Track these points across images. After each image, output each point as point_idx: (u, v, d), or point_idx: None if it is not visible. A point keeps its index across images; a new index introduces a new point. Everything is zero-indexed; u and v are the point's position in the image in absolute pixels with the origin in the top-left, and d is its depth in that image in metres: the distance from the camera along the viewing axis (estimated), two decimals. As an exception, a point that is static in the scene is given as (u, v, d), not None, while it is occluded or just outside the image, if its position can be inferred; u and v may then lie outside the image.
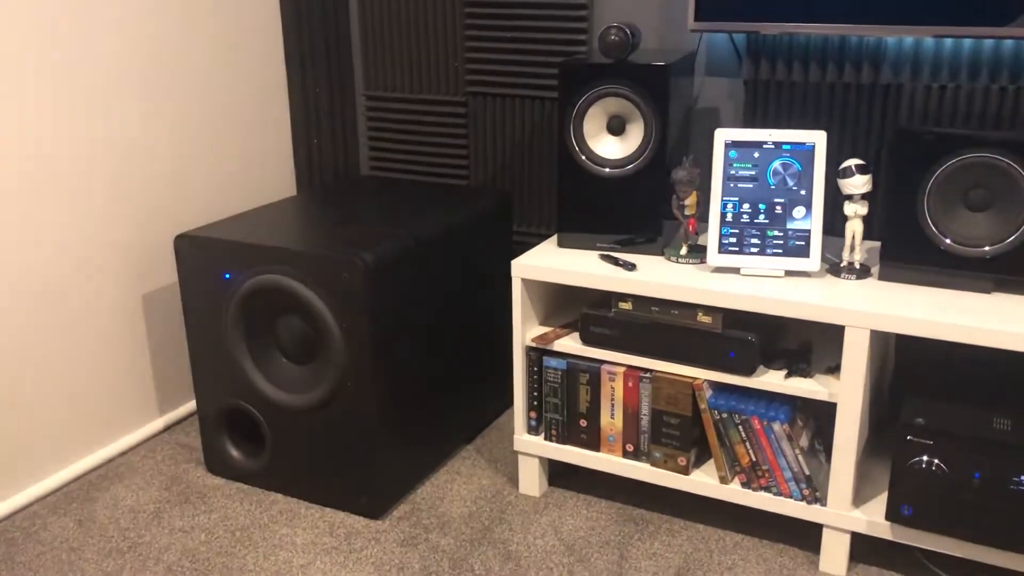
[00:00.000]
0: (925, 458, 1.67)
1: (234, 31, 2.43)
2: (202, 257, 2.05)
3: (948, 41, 1.97)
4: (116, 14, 2.13)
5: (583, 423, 2.03)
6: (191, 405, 2.50)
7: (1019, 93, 1.94)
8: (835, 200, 2.12)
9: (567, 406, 2.03)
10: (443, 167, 2.65)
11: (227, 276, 2.03)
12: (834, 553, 1.83)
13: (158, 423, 2.41)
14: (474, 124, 2.56)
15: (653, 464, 1.97)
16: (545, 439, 2.08)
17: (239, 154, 2.52)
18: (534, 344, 2.03)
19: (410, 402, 2.08)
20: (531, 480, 2.12)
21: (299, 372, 2.04)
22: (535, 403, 2.08)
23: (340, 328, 1.92)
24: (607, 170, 1.97)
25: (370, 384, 1.94)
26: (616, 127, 1.97)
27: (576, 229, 2.05)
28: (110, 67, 2.14)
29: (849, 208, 1.85)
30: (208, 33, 2.36)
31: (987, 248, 1.71)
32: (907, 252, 1.79)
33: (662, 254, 2.00)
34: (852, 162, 1.83)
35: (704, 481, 1.93)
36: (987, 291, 1.75)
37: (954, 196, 1.74)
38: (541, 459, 2.11)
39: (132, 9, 2.16)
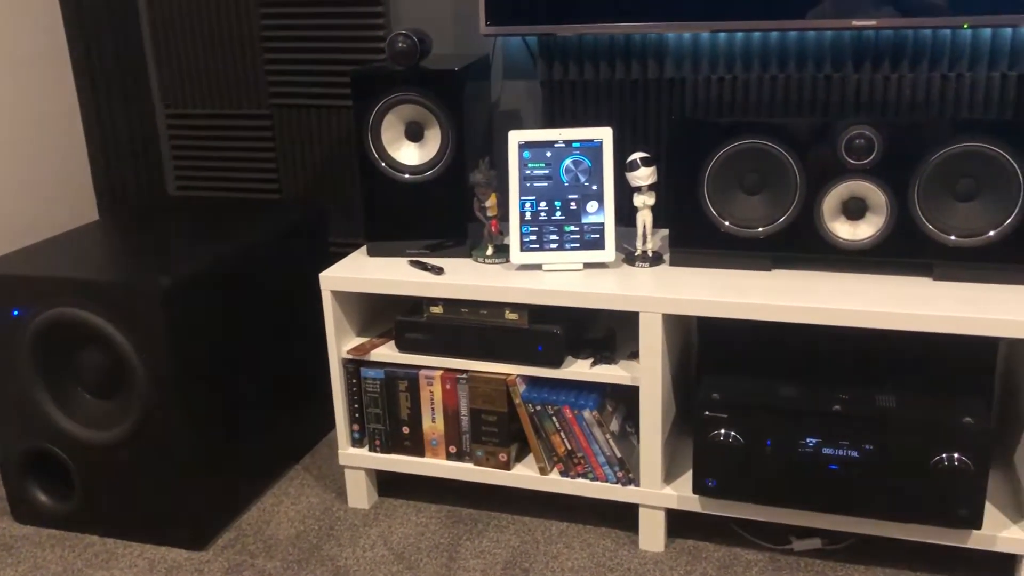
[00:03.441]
0: (722, 431, 1.76)
1: (15, 54, 2.30)
2: (-14, 295, 1.92)
3: (723, 35, 2.09)
4: None
5: (406, 430, 2.03)
6: (-5, 452, 2.34)
7: (788, 81, 2.07)
8: (629, 192, 2.20)
9: (389, 415, 2.03)
10: (253, 182, 2.59)
11: (16, 313, 1.91)
12: (651, 531, 1.91)
13: (-42, 475, 2.25)
14: (281, 137, 2.51)
15: (476, 463, 1.99)
16: (370, 450, 2.07)
17: (32, 183, 2.38)
18: (350, 356, 2.01)
19: (227, 428, 2.03)
20: (359, 493, 2.11)
21: (103, 407, 1.95)
22: (357, 415, 2.06)
23: (140, 358, 1.84)
24: (407, 176, 1.98)
25: (179, 413, 1.88)
26: (414, 133, 1.98)
27: (385, 237, 2.05)
28: None
29: (638, 199, 1.93)
30: (-19, 56, 2.23)
31: (760, 229, 1.83)
32: (693, 237, 1.89)
33: (470, 256, 2.02)
34: (637, 155, 1.91)
35: (525, 474, 1.97)
36: (767, 268, 1.86)
37: (731, 181, 1.85)
38: (368, 471, 2.10)
39: None
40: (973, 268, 1.73)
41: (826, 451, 1.71)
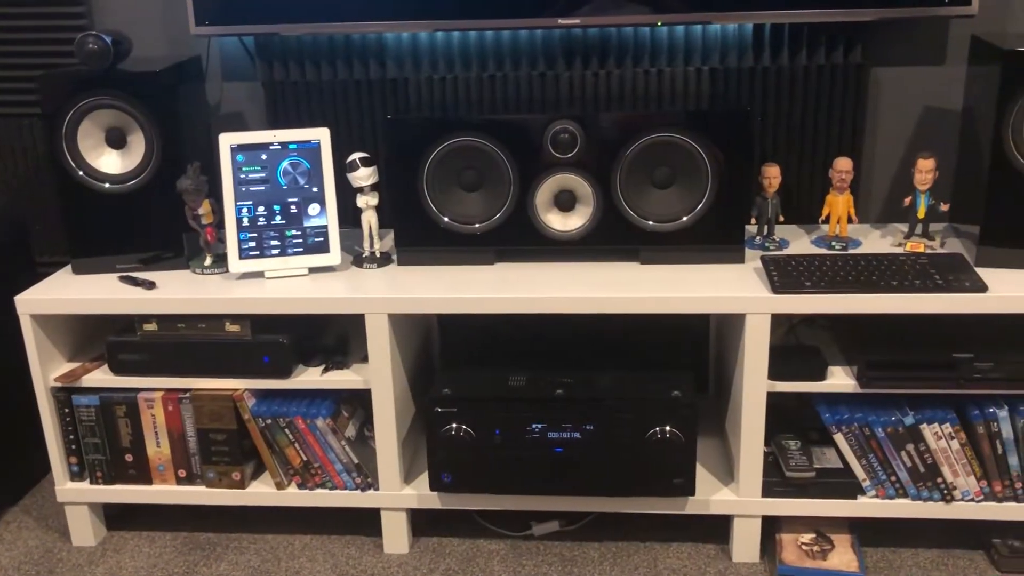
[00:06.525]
0: (454, 425, 1.77)
1: None
2: None
3: (440, 35, 2.10)
4: None
5: (129, 458, 1.90)
6: None
7: (506, 79, 2.12)
8: (353, 193, 2.17)
9: (108, 443, 1.89)
10: (-53, 201, 2.33)
11: None
12: (395, 533, 1.89)
13: None
14: (-23, 150, 2.28)
15: (209, 485, 1.90)
16: (91, 483, 1.92)
17: None
18: (59, 383, 1.85)
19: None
20: (84, 530, 1.95)
21: None
22: (73, 447, 1.90)
23: None
24: (107, 185, 1.85)
25: None
26: (116, 140, 1.86)
27: (92, 253, 1.91)
28: None
29: (361, 200, 1.90)
30: None
31: (477, 225, 1.86)
32: (417, 236, 1.89)
33: (189, 268, 1.92)
34: (356, 156, 1.88)
35: (262, 491, 1.89)
36: (491, 263, 1.89)
37: (449, 179, 1.86)
38: (92, 505, 1.94)
39: None
40: (673, 251, 1.84)
41: (551, 435, 1.76)
